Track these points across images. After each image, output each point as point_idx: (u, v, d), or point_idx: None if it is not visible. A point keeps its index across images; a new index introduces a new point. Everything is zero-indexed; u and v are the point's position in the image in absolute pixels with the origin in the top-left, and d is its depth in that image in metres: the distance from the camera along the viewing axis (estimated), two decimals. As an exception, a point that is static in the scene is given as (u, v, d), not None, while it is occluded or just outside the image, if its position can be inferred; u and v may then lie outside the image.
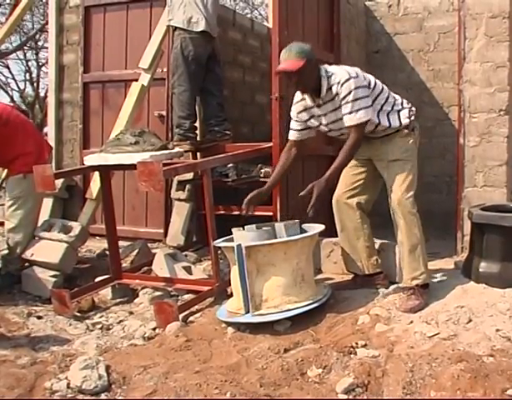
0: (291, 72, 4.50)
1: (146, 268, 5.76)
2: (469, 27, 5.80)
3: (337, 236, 5.01)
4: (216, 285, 4.92)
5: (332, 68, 4.60)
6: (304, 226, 4.74)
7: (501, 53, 5.73)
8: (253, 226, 4.59)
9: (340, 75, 4.48)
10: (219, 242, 4.67)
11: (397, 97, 4.78)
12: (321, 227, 4.67)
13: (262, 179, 5.84)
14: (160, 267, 5.48)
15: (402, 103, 4.74)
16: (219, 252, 5.02)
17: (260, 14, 19.89)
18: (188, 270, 5.43)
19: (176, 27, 6.14)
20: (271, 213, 5.56)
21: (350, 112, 4.42)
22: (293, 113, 4.83)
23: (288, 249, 4.33)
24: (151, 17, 6.97)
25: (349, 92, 4.41)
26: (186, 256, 5.88)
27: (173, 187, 6.47)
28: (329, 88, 4.52)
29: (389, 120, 4.62)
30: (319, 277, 5.19)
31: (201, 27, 6.07)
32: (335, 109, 4.55)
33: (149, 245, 6.35)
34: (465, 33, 5.82)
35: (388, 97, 4.69)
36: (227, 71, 6.73)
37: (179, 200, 6.42)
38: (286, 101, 5.59)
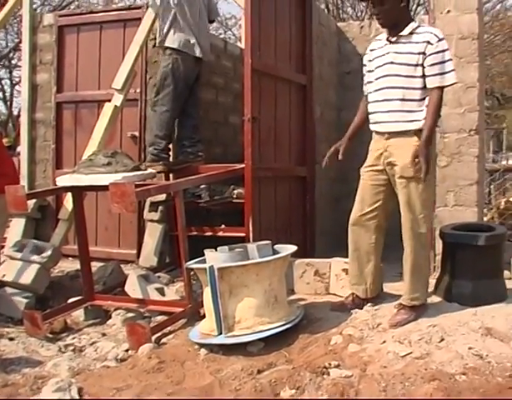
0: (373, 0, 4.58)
1: (119, 289, 5.73)
2: (440, 48, 5.88)
3: (309, 256, 5.02)
4: (189, 306, 4.91)
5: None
6: (277, 247, 4.75)
7: (471, 74, 5.81)
8: (226, 247, 4.59)
9: (437, 31, 4.53)
10: (192, 264, 4.67)
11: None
12: (293, 248, 4.67)
13: (235, 200, 5.86)
14: (133, 288, 5.45)
15: None
16: (192, 273, 5.01)
17: (234, 35, 20.00)
18: (160, 291, 5.41)
19: (167, 48, 6.20)
20: (243, 234, 5.55)
21: (442, 74, 4.43)
22: (364, 59, 4.91)
23: (260, 270, 4.34)
24: (124, 37, 6.97)
25: (443, 51, 4.44)
26: (159, 277, 5.86)
27: (146, 208, 6.45)
28: (414, 33, 4.52)
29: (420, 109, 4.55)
30: (292, 297, 5.18)
31: (197, 51, 6.26)
32: (407, 53, 4.51)
33: (122, 266, 6.31)
34: (436, 54, 5.89)
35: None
36: (200, 92, 6.74)
37: (152, 221, 6.40)
38: (258, 122, 5.63)
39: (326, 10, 16.17)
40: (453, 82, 4.46)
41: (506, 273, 5.45)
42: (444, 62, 4.43)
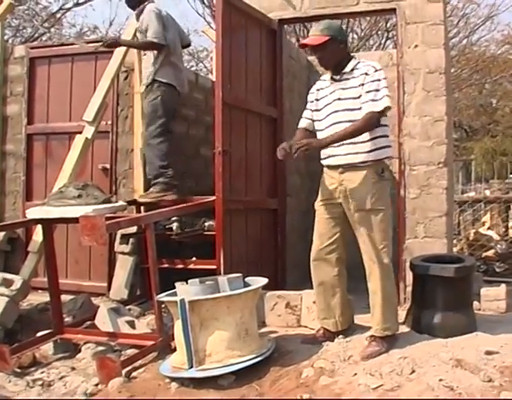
0: (313, 47, 4.74)
1: (89, 323, 5.67)
2: (408, 81, 5.98)
3: (280, 288, 5.02)
4: (159, 340, 4.88)
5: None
6: (248, 279, 4.75)
7: (438, 107, 5.90)
8: (197, 280, 4.59)
9: (375, 64, 4.67)
10: (162, 297, 4.65)
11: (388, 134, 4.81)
12: (264, 281, 4.68)
13: (206, 232, 5.86)
14: (103, 321, 5.41)
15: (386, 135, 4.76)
16: (163, 306, 4.99)
17: (205, 67, 20.13)
18: (131, 324, 5.37)
19: (156, 81, 6.26)
20: (214, 267, 5.53)
21: (374, 100, 4.52)
22: (309, 96, 4.99)
23: (231, 303, 4.33)
24: (96, 69, 6.99)
25: (379, 79, 4.55)
26: (129, 310, 5.83)
27: (117, 240, 6.43)
28: (355, 69, 4.68)
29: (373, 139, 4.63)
30: (264, 330, 5.17)
31: (186, 88, 6.53)
32: (350, 88, 4.65)
33: (92, 299, 6.26)
34: (404, 88, 5.99)
35: (386, 126, 4.75)
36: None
37: (123, 253, 6.38)
38: (229, 155, 5.65)
39: (297, 42, 16.31)
40: (385, 106, 4.51)
41: (475, 304, 5.50)
42: (378, 89, 4.54)
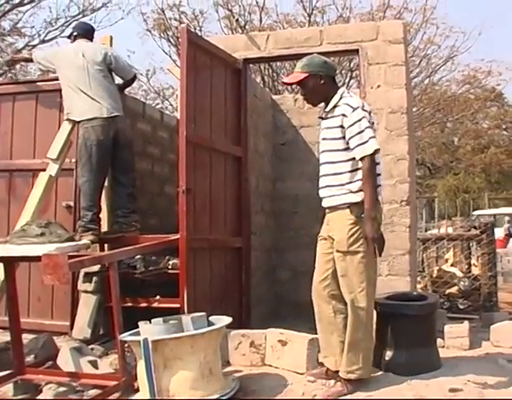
0: (294, 84, 4.88)
1: (51, 363, 5.58)
2: (371, 121, 6.05)
3: (244, 327, 5.00)
4: (122, 380, 4.82)
5: (350, 95, 4.73)
6: (212, 318, 4.73)
7: (401, 146, 5.99)
8: (160, 319, 4.56)
9: (352, 101, 4.61)
10: (126, 336, 4.61)
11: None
12: (228, 320, 4.66)
13: (170, 271, 5.84)
14: (65, 361, 5.33)
15: (380, 183, 4.73)
16: (126, 345, 4.94)
17: (171, 105, 20.17)
18: (94, 364, 5.30)
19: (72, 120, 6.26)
20: (178, 305, 5.50)
21: (362, 144, 4.49)
22: None
23: (195, 342, 4.31)
24: (60, 107, 6.96)
25: (359, 120, 4.51)
26: (92, 349, 5.75)
27: (80, 278, 6.36)
28: (336, 106, 4.64)
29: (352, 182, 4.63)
30: (228, 369, 5.14)
31: (104, 112, 6.17)
32: (331, 127, 4.65)
33: (55, 338, 6.16)
34: (367, 128, 6.05)
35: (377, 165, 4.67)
36: (136, 162, 6.75)
37: (86, 292, 6.30)
38: (193, 193, 5.65)
39: (262, 81, 16.46)
40: (375, 148, 4.49)
41: (439, 341, 5.53)
42: (361, 131, 4.51)
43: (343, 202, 4.63)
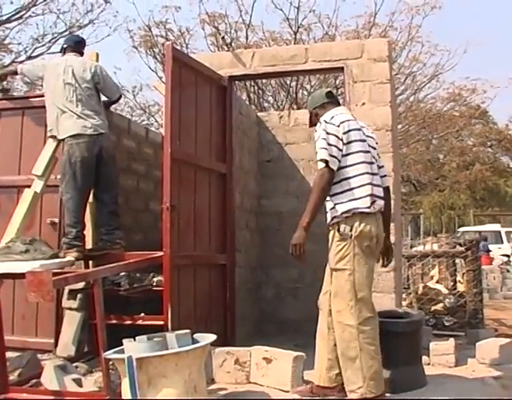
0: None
1: (35, 381, 5.55)
2: (356, 139, 6.07)
3: (229, 344, 4.99)
4: (107, 398, 4.79)
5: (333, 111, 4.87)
6: (196, 336, 4.71)
7: (386, 163, 5.97)
8: (145, 337, 4.54)
9: (326, 116, 4.77)
10: (110, 354, 4.59)
11: (365, 183, 4.69)
12: (212, 337, 4.63)
13: (154, 288, 5.82)
14: (49, 379, 5.29)
15: (362, 192, 4.67)
16: (111, 363, 4.92)
17: (156, 121, 20.20)
18: (78, 382, 5.27)
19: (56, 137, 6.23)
20: (162, 322, 5.47)
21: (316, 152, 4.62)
22: None
23: (179, 360, 4.28)
24: (46, 123, 6.95)
25: (320, 133, 4.64)
26: (77, 367, 5.72)
27: (65, 295, 6.33)
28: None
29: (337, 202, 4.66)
30: (212, 387, 5.14)
31: (89, 130, 6.13)
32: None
33: (39, 356, 6.14)
34: (352, 145, 6.08)
35: (358, 176, 4.68)
36: (121, 178, 6.74)
37: (71, 309, 6.27)
38: (177, 210, 5.65)
39: (247, 98, 16.51)
40: (318, 159, 4.59)
41: (425, 358, 5.54)
42: (316, 140, 4.67)
43: (330, 220, 4.69)
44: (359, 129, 4.81)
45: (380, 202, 4.76)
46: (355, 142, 4.70)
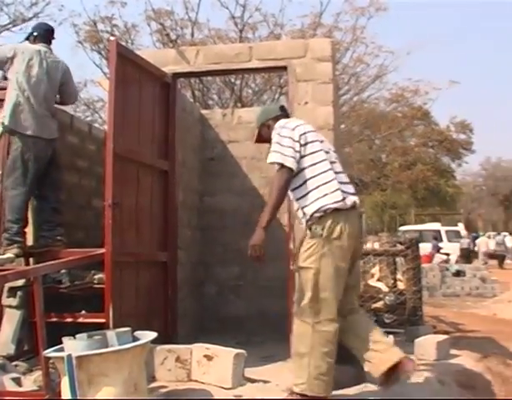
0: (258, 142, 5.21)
1: (-28, 381, 5.47)
2: (298, 137, 6.13)
3: (171, 342, 4.97)
4: (46, 397, 4.75)
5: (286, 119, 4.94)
6: (137, 333, 4.68)
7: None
8: (85, 335, 4.49)
9: (280, 122, 4.82)
10: (49, 352, 4.53)
11: (330, 179, 4.68)
12: (153, 335, 4.60)
13: (96, 285, 5.78)
14: (-13, 378, 5.23)
15: (329, 188, 4.65)
16: (51, 361, 4.87)
17: (101, 117, 19.98)
18: (17, 381, 5.19)
19: (11, 130, 6.08)
20: (103, 320, 5.43)
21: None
22: None
23: (119, 358, 4.24)
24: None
25: (274, 137, 4.67)
26: (16, 366, 5.64)
27: (4, 293, 6.24)
28: None
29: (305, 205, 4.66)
30: (153, 385, 5.11)
31: (46, 134, 6.13)
32: None
33: (-24, 355, 6.05)
34: (294, 143, 6.13)
35: (322, 174, 4.67)
36: (63, 174, 6.67)
37: (10, 307, 6.18)
38: (119, 207, 5.61)
39: (192, 96, 16.46)
40: (269, 162, 4.69)
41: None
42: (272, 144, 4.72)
43: (306, 224, 4.69)
44: (316, 131, 4.90)
45: (352, 198, 4.76)
46: (314, 142, 4.74)
